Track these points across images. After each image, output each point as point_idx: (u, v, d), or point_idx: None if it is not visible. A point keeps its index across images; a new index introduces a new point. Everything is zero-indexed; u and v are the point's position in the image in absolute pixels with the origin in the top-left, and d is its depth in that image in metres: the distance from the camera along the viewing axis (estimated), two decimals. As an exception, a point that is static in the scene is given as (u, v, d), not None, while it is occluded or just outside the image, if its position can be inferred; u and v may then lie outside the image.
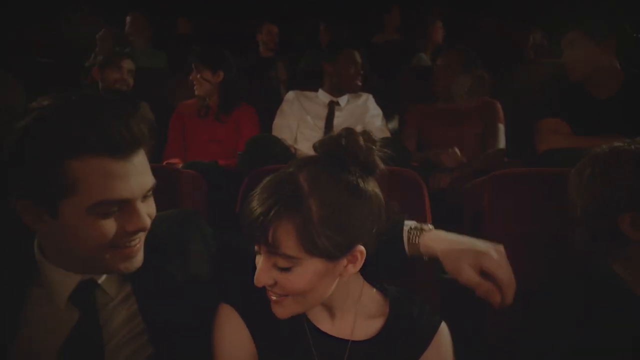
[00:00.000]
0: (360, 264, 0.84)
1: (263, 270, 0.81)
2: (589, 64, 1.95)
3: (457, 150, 2.12)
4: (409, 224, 0.98)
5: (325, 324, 0.93)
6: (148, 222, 0.82)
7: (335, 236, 0.77)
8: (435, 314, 0.96)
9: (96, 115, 0.74)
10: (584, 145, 1.85)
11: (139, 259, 0.86)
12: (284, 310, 0.85)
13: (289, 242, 0.76)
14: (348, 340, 0.91)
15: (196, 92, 2.52)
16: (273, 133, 2.46)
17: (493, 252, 0.87)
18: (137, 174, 0.79)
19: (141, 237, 0.85)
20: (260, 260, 0.82)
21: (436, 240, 0.94)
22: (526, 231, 1.24)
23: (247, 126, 2.49)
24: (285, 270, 0.79)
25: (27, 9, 4.25)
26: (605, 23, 1.95)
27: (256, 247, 0.82)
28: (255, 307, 0.91)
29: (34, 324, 0.86)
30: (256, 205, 0.78)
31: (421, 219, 1.29)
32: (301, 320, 0.92)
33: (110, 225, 0.78)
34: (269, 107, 2.77)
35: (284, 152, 1.96)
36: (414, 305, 0.95)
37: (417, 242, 0.94)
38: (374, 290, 0.97)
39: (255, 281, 0.82)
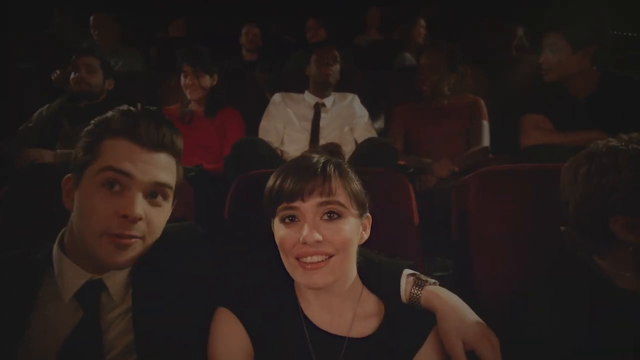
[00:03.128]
0: (368, 232, 0.99)
1: (312, 228, 0.88)
2: (564, 69, 1.97)
3: (448, 161, 2.14)
4: (411, 271, 0.99)
5: (323, 322, 0.95)
6: (138, 214, 0.88)
7: (363, 194, 0.96)
8: (429, 313, 0.96)
9: (135, 114, 0.94)
10: (567, 141, 1.91)
11: (130, 255, 0.90)
12: (320, 276, 0.89)
13: (341, 190, 0.92)
14: (345, 337, 0.93)
15: (191, 97, 2.49)
16: (259, 136, 2.44)
17: (492, 340, 0.86)
18: (149, 163, 0.92)
19: (135, 234, 0.90)
20: (304, 223, 0.90)
21: (439, 297, 0.93)
22: (512, 228, 1.26)
23: (233, 130, 2.47)
24: (335, 218, 0.90)
25: (7, 15, 4.18)
26: (586, 32, 1.95)
27: (293, 210, 0.91)
28: (251, 308, 0.95)
29: (40, 321, 0.90)
30: (306, 166, 0.93)
31: (408, 219, 1.31)
32: (299, 318, 0.95)
33: (108, 201, 0.88)
34: (255, 110, 2.76)
35: (270, 154, 1.95)
36: (407, 306, 0.97)
37: (418, 293, 0.95)
38: (372, 294, 1.00)
39: (307, 239, 0.87)
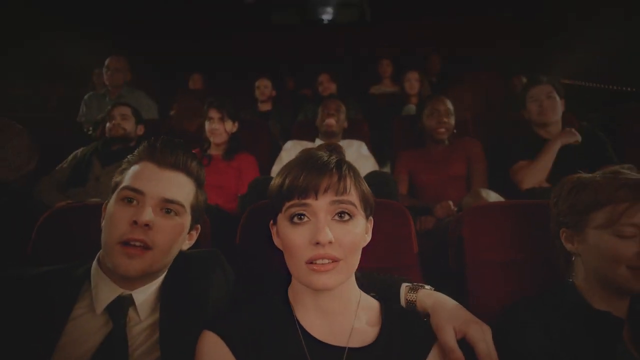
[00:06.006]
0: (370, 234, 0.98)
1: (324, 227, 0.86)
2: (559, 113, 2.38)
3: (450, 203, 2.25)
4: (408, 283, 1.04)
5: (321, 333, 0.92)
6: (145, 219, 0.98)
7: (371, 196, 0.97)
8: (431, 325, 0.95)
9: (158, 142, 1.07)
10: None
11: (140, 265, 0.98)
12: (330, 276, 0.86)
13: (353, 190, 0.91)
14: (345, 348, 0.90)
15: (215, 141, 2.68)
16: (272, 178, 2.59)
17: (482, 326, 0.88)
18: (162, 181, 1.04)
19: (142, 238, 0.98)
20: (314, 222, 0.87)
21: (432, 296, 0.97)
22: (502, 256, 1.35)
23: (249, 173, 2.62)
24: (347, 219, 0.89)
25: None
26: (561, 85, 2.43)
27: (304, 207, 0.88)
28: (239, 327, 0.91)
29: (75, 331, 0.97)
30: (320, 163, 0.90)
31: (408, 245, 1.40)
32: (295, 330, 0.92)
33: (124, 212, 1.00)
34: (269, 157, 2.95)
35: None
36: (406, 313, 0.98)
37: (414, 298, 0.99)
38: (370, 298, 1.00)
39: (320, 238, 0.84)
